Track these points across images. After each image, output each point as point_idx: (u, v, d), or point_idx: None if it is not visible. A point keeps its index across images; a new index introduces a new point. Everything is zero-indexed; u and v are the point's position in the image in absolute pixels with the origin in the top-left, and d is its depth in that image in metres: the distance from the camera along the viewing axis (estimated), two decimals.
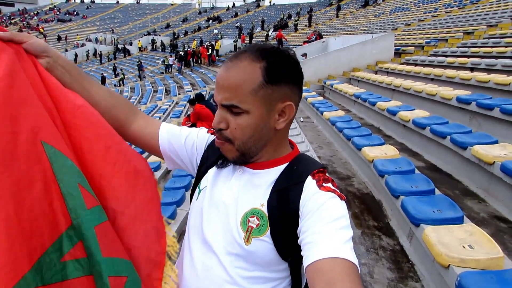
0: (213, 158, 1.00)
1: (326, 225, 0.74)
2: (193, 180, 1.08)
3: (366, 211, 3.64)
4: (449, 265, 2.00)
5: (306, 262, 0.72)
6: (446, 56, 9.23)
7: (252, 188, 0.89)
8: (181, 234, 3.82)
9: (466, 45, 9.64)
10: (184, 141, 1.05)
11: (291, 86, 0.85)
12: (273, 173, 0.89)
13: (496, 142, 3.54)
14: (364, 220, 3.47)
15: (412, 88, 6.78)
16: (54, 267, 0.69)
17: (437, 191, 3.00)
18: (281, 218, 0.83)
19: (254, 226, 0.84)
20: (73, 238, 0.73)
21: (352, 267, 0.69)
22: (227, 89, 0.82)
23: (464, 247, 2.12)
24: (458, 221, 2.42)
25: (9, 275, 0.60)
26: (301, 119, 8.16)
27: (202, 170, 1.02)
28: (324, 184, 0.83)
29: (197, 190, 1.00)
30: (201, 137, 1.07)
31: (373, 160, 3.87)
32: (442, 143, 4.15)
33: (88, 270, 0.74)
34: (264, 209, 0.85)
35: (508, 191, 3.04)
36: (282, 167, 0.90)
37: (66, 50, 38.67)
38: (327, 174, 0.90)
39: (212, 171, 0.98)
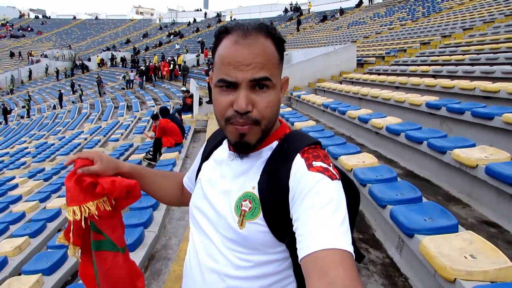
0: (210, 148, 1.04)
1: (316, 213, 0.72)
2: None
3: None
4: (455, 279, 1.83)
5: (299, 256, 0.72)
6: (407, 65, 9.51)
7: (243, 172, 0.88)
8: (150, 259, 3.45)
9: (425, 54, 10.01)
10: (195, 173, 1.09)
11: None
12: (263, 154, 0.89)
13: (474, 145, 3.51)
14: None
15: (380, 96, 6.83)
16: None
17: (423, 199, 2.87)
18: (273, 200, 0.82)
19: (247, 209, 0.84)
20: None
21: (344, 254, 0.67)
22: (258, 64, 0.78)
23: (466, 257, 1.97)
24: (453, 229, 2.28)
25: None
26: None
27: (201, 163, 1.05)
28: (314, 164, 0.80)
29: (195, 182, 1.04)
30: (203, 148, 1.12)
31: (352, 169, 3.73)
32: (419, 148, 4.09)
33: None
34: (256, 192, 0.84)
35: (493, 194, 2.97)
36: (272, 145, 0.89)
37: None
38: (320, 149, 0.88)
39: (209, 162, 1.01)
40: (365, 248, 2.98)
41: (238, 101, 0.77)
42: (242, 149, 0.86)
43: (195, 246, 0.93)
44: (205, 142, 1.10)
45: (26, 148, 13.73)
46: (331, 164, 0.82)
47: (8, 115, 23.99)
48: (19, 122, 22.53)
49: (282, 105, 9.21)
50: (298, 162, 0.82)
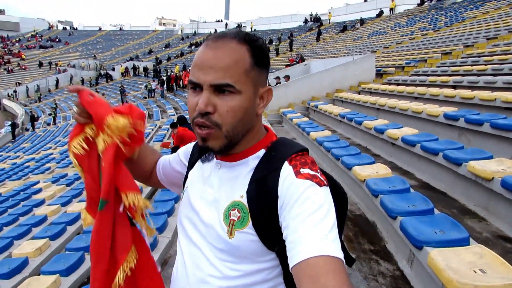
0: (196, 155, 1.03)
1: (305, 220, 0.73)
2: (176, 205, 1.13)
3: (360, 234, 3.43)
4: None
5: (290, 264, 0.72)
6: (427, 75, 9.35)
7: (231, 181, 0.89)
8: (163, 263, 3.51)
9: (446, 65, 9.83)
10: (170, 164, 1.12)
11: (267, 73, 0.89)
12: (250, 162, 0.88)
13: (491, 157, 3.42)
14: (359, 243, 3.26)
15: (398, 107, 6.75)
16: None
17: (435, 211, 2.82)
18: (261, 208, 0.82)
19: (236, 219, 0.84)
20: None
21: (335, 260, 0.68)
22: (220, 69, 0.78)
23: (475, 271, 1.92)
24: (464, 242, 2.23)
25: None
26: None
27: (187, 170, 1.04)
28: (302, 171, 0.81)
29: (183, 191, 1.03)
30: (187, 147, 1.10)
31: (365, 179, 3.70)
32: (434, 160, 4.02)
33: None
34: (244, 201, 0.84)
35: (509, 208, 2.89)
36: (259, 154, 0.89)
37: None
38: (308, 155, 0.88)
39: (195, 170, 1.00)
40: (376, 260, 2.95)
41: (199, 102, 0.79)
42: (207, 151, 0.91)
43: (182, 255, 0.93)
44: (192, 148, 1.09)
45: (51, 154, 14.22)
46: (318, 170, 0.83)
47: (35, 122, 24.92)
48: (45, 129, 23.37)
49: (298, 114, 9.24)
50: (286, 169, 0.82)
